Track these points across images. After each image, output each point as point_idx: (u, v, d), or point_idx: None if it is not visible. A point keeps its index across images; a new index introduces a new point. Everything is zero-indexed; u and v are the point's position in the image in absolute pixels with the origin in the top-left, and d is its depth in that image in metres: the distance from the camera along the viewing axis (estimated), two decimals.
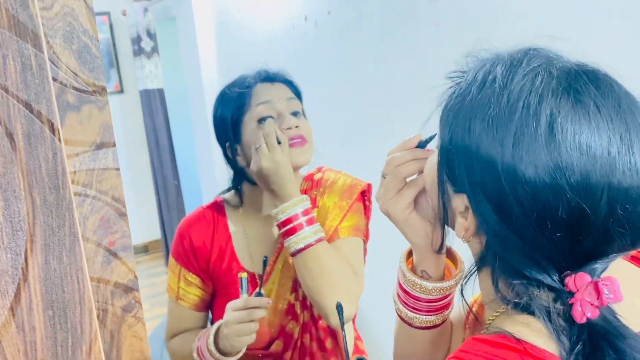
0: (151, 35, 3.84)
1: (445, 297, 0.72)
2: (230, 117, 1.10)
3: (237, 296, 1.03)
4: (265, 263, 1.01)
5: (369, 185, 1.18)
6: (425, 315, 0.73)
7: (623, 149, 0.48)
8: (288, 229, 1.01)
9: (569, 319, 0.51)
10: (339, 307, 0.83)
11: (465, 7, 1.46)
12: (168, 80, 3.97)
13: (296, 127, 1.07)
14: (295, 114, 1.11)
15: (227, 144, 1.13)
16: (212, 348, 1.03)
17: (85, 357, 0.49)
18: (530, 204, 0.49)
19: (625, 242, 0.50)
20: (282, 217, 1.01)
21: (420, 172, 0.69)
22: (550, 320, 0.51)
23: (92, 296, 0.49)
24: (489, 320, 0.58)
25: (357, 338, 1.28)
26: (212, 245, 1.16)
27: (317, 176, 1.19)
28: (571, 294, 0.51)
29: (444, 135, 0.57)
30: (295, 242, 1.01)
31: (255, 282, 1.13)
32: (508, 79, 0.52)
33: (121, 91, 4.14)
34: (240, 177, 1.16)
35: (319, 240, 1.01)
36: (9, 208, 0.45)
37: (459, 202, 0.56)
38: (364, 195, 1.17)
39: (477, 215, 0.54)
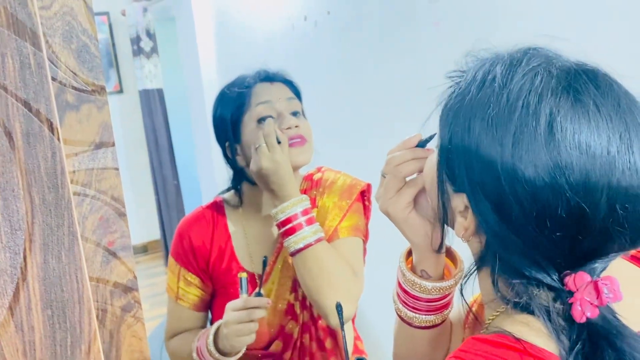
0: (150, 35, 3.83)
1: (444, 297, 0.72)
2: (229, 117, 1.10)
3: (236, 296, 1.03)
4: (264, 263, 1.01)
5: (369, 185, 1.18)
6: (425, 314, 0.73)
7: (622, 149, 0.48)
8: (287, 228, 1.01)
9: (569, 318, 0.51)
10: (339, 307, 0.83)
11: (465, 7, 1.46)
12: (167, 80, 3.97)
13: (296, 127, 1.07)
14: (294, 113, 1.11)
15: (227, 144, 1.13)
16: (212, 348, 1.03)
17: (84, 357, 0.49)
18: (530, 203, 0.49)
19: (625, 241, 0.50)
20: (282, 217, 1.01)
21: (420, 171, 0.69)
22: (550, 320, 0.51)
23: (91, 296, 0.49)
24: (489, 319, 0.58)
25: (357, 338, 1.28)
26: (212, 245, 1.16)
27: (316, 176, 1.19)
28: (571, 293, 0.51)
29: (443, 135, 0.57)
30: (294, 242, 1.01)
31: (254, 282, 1.13)
32: (508, 79, 0.52)
33: (120, 91, 4.14)
34: (240, 177, 1.16)
35: (318, 240, 1.01)
36: (8, 207, 0.45)
37: (459, 201, 0.56)
38: (364, 195, 1.17)
39: (476, 215, 0.54)
